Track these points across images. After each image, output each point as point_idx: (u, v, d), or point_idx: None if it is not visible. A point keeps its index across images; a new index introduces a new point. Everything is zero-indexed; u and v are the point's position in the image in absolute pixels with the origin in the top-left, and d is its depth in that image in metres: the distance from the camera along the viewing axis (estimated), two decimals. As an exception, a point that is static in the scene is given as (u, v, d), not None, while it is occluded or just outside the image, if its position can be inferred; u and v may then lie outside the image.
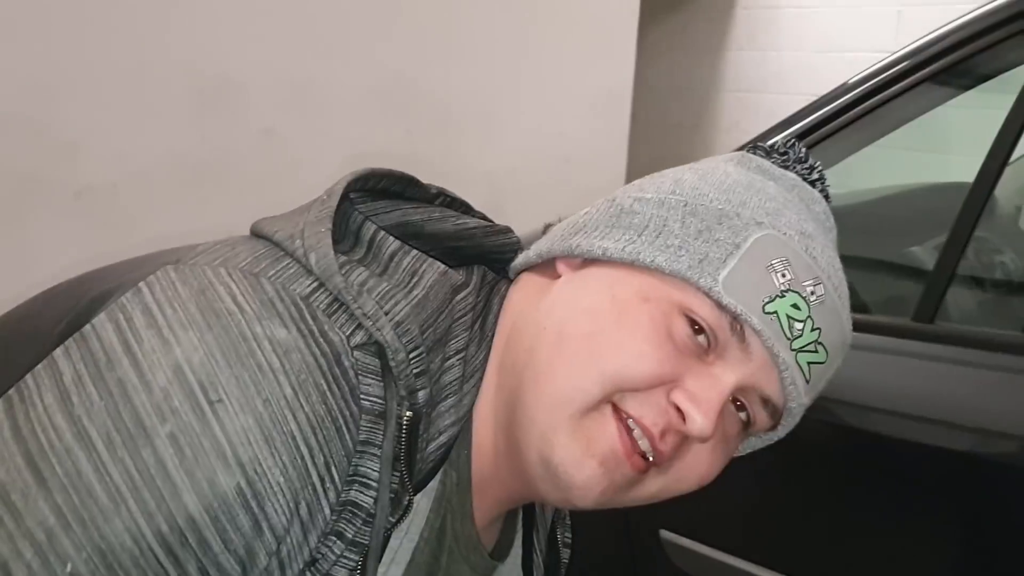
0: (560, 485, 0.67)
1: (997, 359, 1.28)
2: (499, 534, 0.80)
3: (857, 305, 1.69)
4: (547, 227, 0.78)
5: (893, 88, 1.40)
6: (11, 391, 0.57)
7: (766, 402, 0.69)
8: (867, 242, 1.80)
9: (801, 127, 1.52)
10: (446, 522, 0.70)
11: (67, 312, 0.61)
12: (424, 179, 0.76)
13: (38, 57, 2.41)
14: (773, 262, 0.68)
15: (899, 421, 1.37)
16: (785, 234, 0.69)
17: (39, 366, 0.58)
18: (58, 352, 0.58)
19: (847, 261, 1.81)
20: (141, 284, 0.60)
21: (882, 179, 1.96)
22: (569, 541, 0.90)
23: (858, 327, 1.41)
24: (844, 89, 1.47)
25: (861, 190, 1.98)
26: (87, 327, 0.58)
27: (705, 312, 0.67)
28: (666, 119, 4.40)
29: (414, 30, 3.22)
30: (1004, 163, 1.28)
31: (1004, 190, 2.08)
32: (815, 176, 0.78)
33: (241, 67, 2.80)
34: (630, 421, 0.66)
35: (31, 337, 0.61)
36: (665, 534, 1.62)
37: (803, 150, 0.79)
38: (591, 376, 0.66)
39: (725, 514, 1.57)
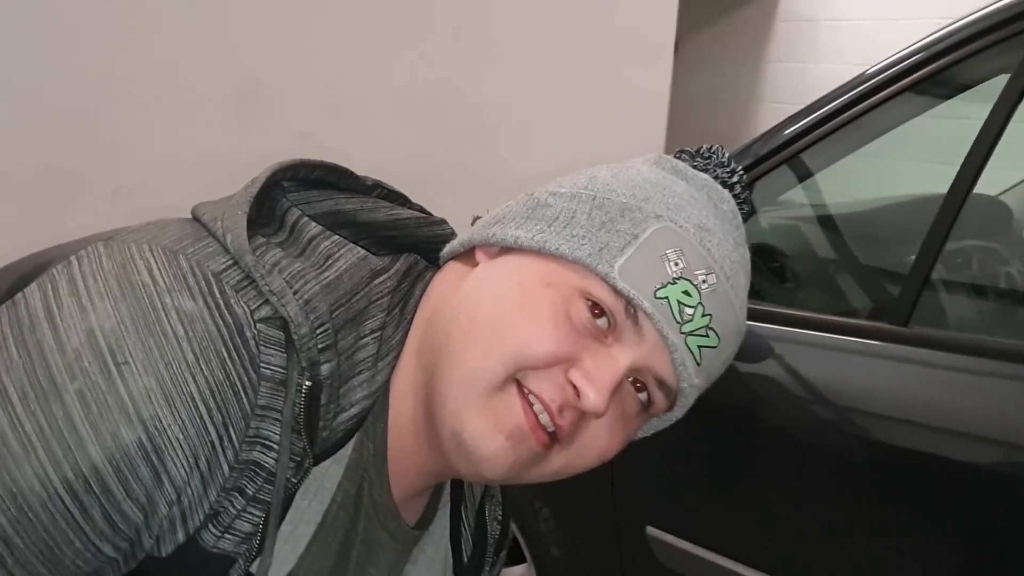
0: (470, 459, 0.72)
1: (968, 362, 1.29)
2: (425, 507, 0.85)
3: (861, 309, 1.71)
4: (475, 220, 0.83)
5: (874, 98, 1.42)
6: None
7: (661, 383, 0.74)
8: (868, 250, 1.82)
9: (786, 136, 1.55)
10: (363, 489, 0.75)
11: (10, 283, 0.68)
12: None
13: (81, 60, 2.54)
14: (667, 252, 0.72)
15: (876, 422, 1.39)
16: (682, 227, 0.73)
17: None
18: None
19: (851, 267, 1.81)
20: (72, 257, 0.66)
21: (863, 188, 1.97)
22: (500, 516, 0.94)
23: (836, 329, 1.44)
24: (827, 99, 1.50)
25: (866, 199, 1.99)
26: (19, 295, 0.65)
27: (603, 296, 0.71)
28: (704, 129, 4.41)
29: (448, 36, 3.29)
30: (979, 171, 1.29)
31: (1021, 202, 2.08)
32: (735, 179, 0.82)
33: (277, 71, 2.89)
34: (531, 397, 0.71)
35: None
36: (651, 531, 1.65)
37: (726, 155, 0.83)
38: (495, 356, 0.70)
39: (710, 512, 1.60)
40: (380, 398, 0.74)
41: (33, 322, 0.62)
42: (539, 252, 0.73)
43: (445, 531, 0.87)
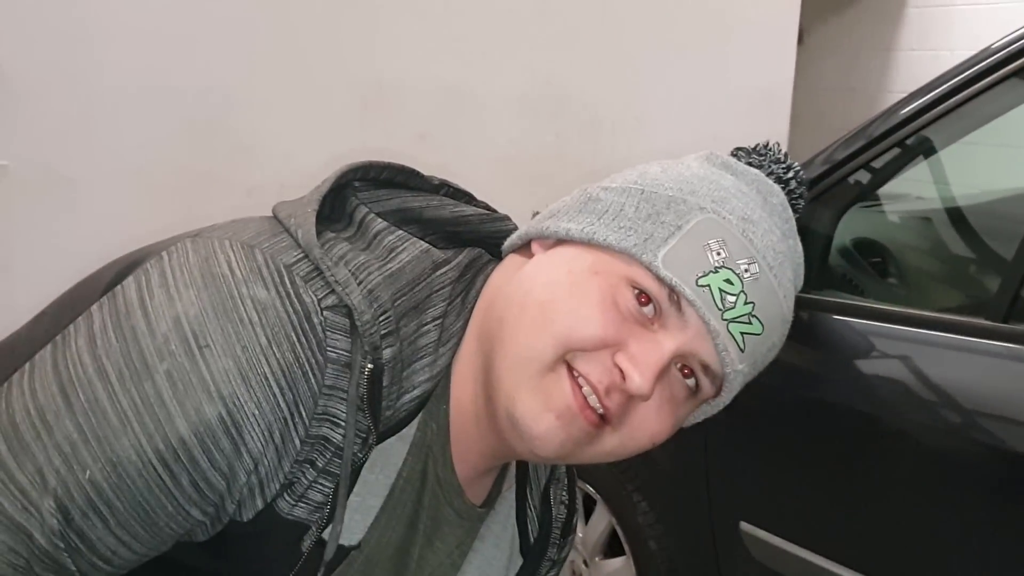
0: (523, 436, 0.76)
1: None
2: (491, 487, 0.90)
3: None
4: (535, 215, 0.87)
5: (980, 84, 1.39)
6: (59, 335, 0.73)
7: (706, 368, 0.77)
8: (976, 244, 1.76)
9: (894, 122, 1.53)
10: (428, 467, 0.81)
11: (114, 275, 0.77)
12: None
13: (217, 69, 2.71)
14: (710, 242, 0.75)
15: (977, 420, 1.36)
16: (725, 218, 0.76)
17: (80, 316, 0.73)
18: (95, 306, 0.73)
19: (956, 261, 1.76)
20: (163, 252, 0.74)
21: (971, 178, 1.89)
22: (566, 500, 0.98)
23: (933, 325, 1.41)
24: (931, 86, 1.47)
25: (976, 191, 1.92)
26: (118, 286, 0.73)
27: (648, 284, 0.75)
28: (831, 120, 4.29)
29: (564, 35, 3.32)
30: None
31: None
32: (790, 175, 0.84)
33: (398, 75, 3.00)
34: (580, 379, 0.75)
35: (89, 295, 0.77)
36: (744, 526, 1.65)
37: (782, 151, 0.85)
38: (545, 338, 0.75)
39: (802, 509, 1.59)
40: (442, 381, 0.80)
41: (129, 310, 0.71)
42: (589, 243, 0.78)
43: (511, 511, 0.92)
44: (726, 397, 0.80)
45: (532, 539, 0.93)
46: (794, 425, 1.55)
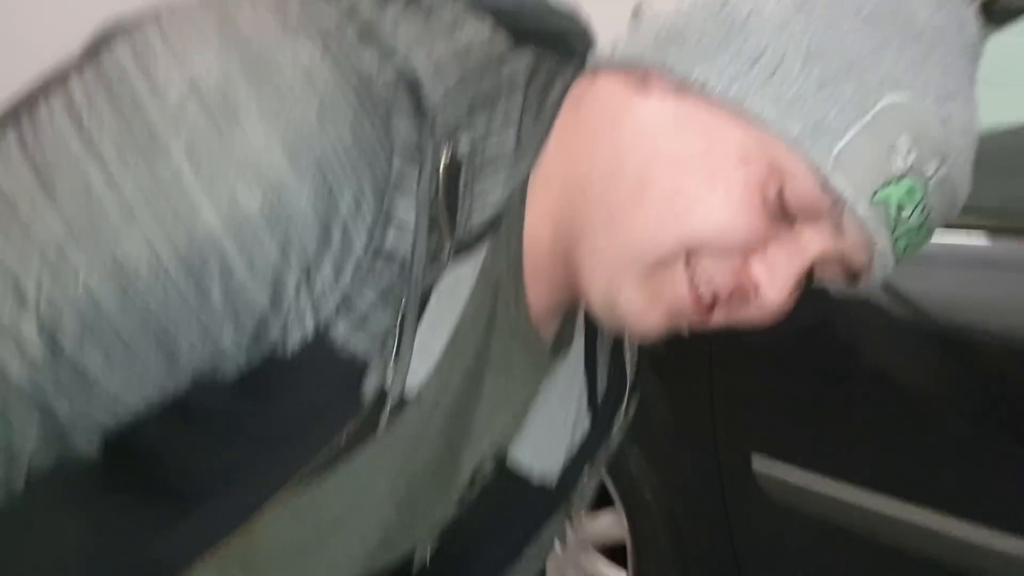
0: (620, 325, 0.65)
1: None
2: (557, 334, 0.73)
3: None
4: (635, 11, 0.69)
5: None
6: (23, 111, 0.54)
7: (847, 269, 0.63)
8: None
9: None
10: (498, 307, 0.65)
11: (85, 48, 0.57)
12: None
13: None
14: (899, 140, 0.57)
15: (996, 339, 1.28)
16: (923, 101, 0.58)
17: (52, 87, 0.54)
18: (72, 74, 0.54)
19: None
20: (162, 12, 0.56)
21: None
22: (635, 352, 0.82)
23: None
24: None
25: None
26: (104, 51, 0.55)
27: (807, 187, 0.58)
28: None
29: None
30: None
31: None
32: None
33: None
34: (700, 280, 0.61)
35: (58, 69, 0.57)
36: (757, 463, 1.53)
37: None
38: (672, 233, 0.59)
39: (823, 433, 1.48)
40: (516, 204, 0.64)
41: (123, 75, 0.52)
42: (733, 106, 0.59)
43: (579, 362, 0.77)
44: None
45: (600, 398, 0.78)
46: (818, 346, 1.44)
